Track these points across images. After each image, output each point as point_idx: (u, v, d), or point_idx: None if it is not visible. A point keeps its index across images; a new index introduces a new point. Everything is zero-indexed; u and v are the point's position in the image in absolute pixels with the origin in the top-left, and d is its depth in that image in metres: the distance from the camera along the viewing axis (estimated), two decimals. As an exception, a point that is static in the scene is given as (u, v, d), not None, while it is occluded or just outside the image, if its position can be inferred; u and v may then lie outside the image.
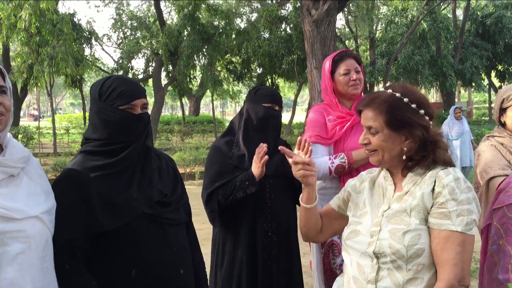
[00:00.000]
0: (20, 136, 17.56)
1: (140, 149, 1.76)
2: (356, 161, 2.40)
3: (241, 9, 20.22)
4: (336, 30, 24.19)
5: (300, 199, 1.80)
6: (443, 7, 24.32)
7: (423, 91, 35.70)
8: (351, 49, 23.02)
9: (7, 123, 1.47)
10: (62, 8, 20.45)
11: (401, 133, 1.59)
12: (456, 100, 30.08)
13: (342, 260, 1.79)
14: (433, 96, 40.78)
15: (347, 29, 23.44)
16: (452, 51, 23.77)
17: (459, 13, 26.61)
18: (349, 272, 1.66)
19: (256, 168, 2.31)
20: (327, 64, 2.59)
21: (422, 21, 20.20)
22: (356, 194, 1.78)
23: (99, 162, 1.70)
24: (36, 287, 1.42)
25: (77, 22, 17.56)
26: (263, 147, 2.30)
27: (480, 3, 26.85)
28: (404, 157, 1.60)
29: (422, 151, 1.59)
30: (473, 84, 25.08)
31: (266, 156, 2.29)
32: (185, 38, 15.87)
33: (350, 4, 18.53)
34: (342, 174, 2.44)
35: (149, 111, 1.88)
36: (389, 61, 20.37)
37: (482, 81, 26.58)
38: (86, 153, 1.73)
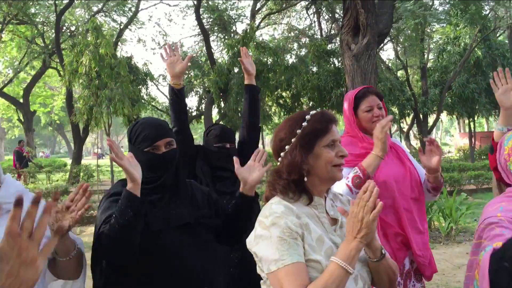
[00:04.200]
0: (81, 174, 18.48)
1: (171, 181, 1.99)
2: (367, 167, 2.36)
3: (289, 45, 20.57)
4: (387, 61, 23.86)
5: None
6: (499, 33, 23.62)
7: (482, 120, 34.28)
8: (402, 79, 22.71)
9: None
10: (120, 52, 21.60)
11: None
12: (518, 128, 28.61)
13: None
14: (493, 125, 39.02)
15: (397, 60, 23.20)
16: (510, 78, 22.85)
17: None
18: None
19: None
20: (348, 101, 2.62)
21: (476, 49, 19.69)
22: (306, 233, 1.49)
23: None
24: None
25: (134, 64, 18.51)
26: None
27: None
28: None
29: None
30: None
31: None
32: (234, 75, 16.33)
33: (399, 35, 18.42)
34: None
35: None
36: (443, 90, 19.87)
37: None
38: (124, 180, 1.94)
